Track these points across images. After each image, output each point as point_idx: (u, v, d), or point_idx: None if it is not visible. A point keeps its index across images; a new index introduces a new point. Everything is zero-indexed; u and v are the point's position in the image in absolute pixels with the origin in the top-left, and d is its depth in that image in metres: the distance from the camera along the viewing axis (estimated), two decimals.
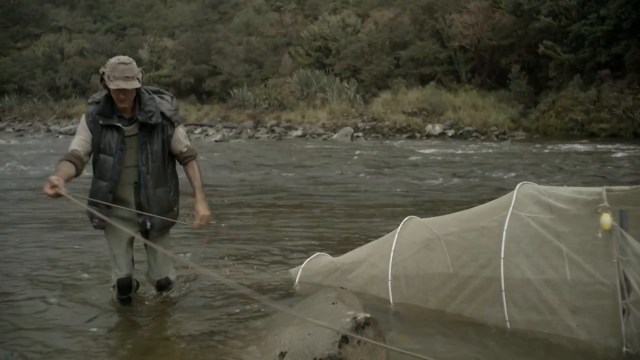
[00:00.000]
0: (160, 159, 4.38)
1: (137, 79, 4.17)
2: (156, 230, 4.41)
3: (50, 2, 57.85)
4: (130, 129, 4.29)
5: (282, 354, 3.51)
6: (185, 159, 4.47)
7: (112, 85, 4.10)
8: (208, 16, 49.35)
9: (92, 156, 4.33)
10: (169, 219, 4.45)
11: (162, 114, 4.36)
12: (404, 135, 27.37)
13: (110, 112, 4.27)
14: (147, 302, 4.76)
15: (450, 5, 32.98)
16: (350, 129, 27.70)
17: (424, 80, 31.85)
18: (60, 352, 3.91)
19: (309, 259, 5.42)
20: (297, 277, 5.31)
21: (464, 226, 4.70)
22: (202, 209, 4.40)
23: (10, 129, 36.79)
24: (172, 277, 4.66)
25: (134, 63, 4.23)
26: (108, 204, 4.24)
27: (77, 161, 4.18)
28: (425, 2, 34.50)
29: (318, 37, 37.58)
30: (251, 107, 34.13)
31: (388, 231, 5.20)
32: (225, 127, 31.78)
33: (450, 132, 27.19)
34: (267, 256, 6.43)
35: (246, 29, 44.08)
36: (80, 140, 4.28)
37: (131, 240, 4.45)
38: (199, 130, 31.61)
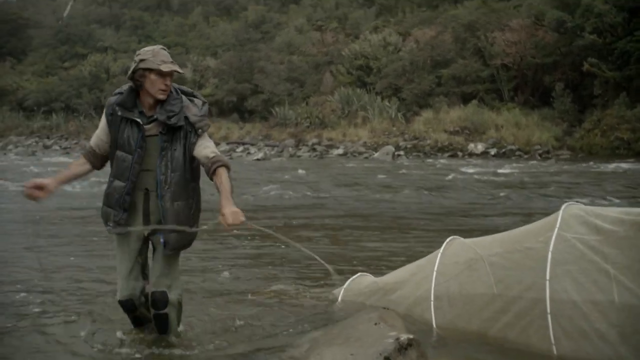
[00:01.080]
0: (182, 168, 3.93)
1: (175, 65, 3.93)
2: (170, 248, 3.98)
3: (96, 22, 59.15)
4: (150, 128, 3.93)
5: None
6: (213, 165, 3.83)
7: (165, 67, 3.81)
8: (250, 35, 49.87)
9: (110, 154, 4.03)
10: (185, 238, 3.98)
11: (187, 118, 3.93)
12: (446, 154, 27.21)
13: (131, 105, 3.94)
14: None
15: (492, 24, 32.79)
16: (391, 148, 27.64)
17: (465, 99, 31.66)
18: None
19: (351, 278, 5.41)
20: (340, 297, 5.30)
21: (508, 247, 4.64)
22: (229, 206, 3.65)
23: (57, 147, 37.57)
24: (172, 295, 4.05)
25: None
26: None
27: (92, 158, 4.03)
28: (466, 20, 34.37)
29: (359, 56, 37.66)
30: (292, 125, 34.30)
31: (431, 251, 5.16)
32: (266, 145, 32.00)
33: (493, 151, 26.93)
34: (310, 275, 6.44)
35: (288, 48, 44.41)
36: (96, 137, 4.06)
37: (140, 254, 4.11)
38: (240, 148, 31.87)
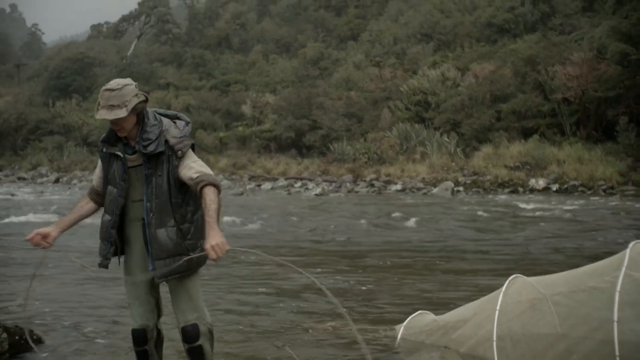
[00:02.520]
0: (166, 194, 3.80)
1: (126, 106, 3.69)
2: (158, 277, 3.80)
3: (159, 61, 60.79)
4: (134, 159, 3.85)
5: None
6: (197, 185, 3.68)
7: (97, 115, 3.70)
8: (309, 72, 50.50)
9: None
10: (179, 265, 3.75)
11: (167, 141, 3.80)
12: (506, 190, 26.79)
13: (115, 140, 3.88)
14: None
15: (552, 57, 32.43)
16: (450, 184, 27.38)
17: (526, 134, 31.23)
18: None
19: (411, 316, 5.35)
20: (399, 335, 5.24)
21: (573, 286, 4.53)
22: (212, 238, 3.46)
23: None
24: (202, 326, 3.89)
25: (128, 87, 3.76)
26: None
27: (95, 196, 4.01)
28: (526, 54, 34.09)
29: (417, 91, 37.66)
30: (350, 161, 34.38)
31: (492, 290, 5.07)
32: (324, 180, 32.08)
33: (555, 187, 26.40)
34: (371, 312, 6.39)
35: (346, 84, 44.77)
36: (96, 175, 4.05)
37: (152, 287, 3.95)
38: (299, 183, 32.03)
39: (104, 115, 3.65)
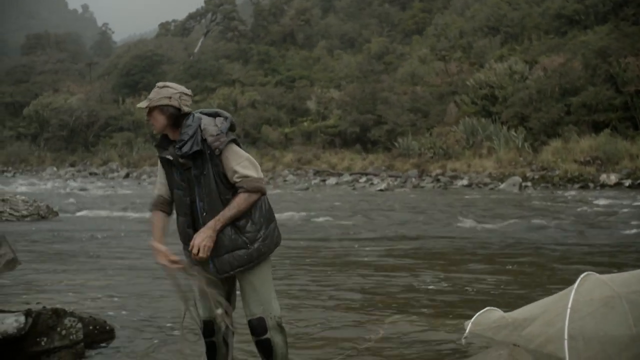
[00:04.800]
0: (215, 192, 3.82)
1: (150, 100, 3.86)
2: (219, 274, 3.87)
3: (225, 57, 61.48)
4: (185, 162, 3.87)
5: None
6: (238, 189, 3.83)
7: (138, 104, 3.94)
8: (373, 67, 50.29)
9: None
10: (238, 259, 3.82)
11: (205, 140, 3.82)
12: (576, 185, 26.12)
13: (167, 144, 3.96)
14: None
15: (625, 49, 31.44)
16: (518, 179, 26.88)
17: (597, 128, 30.38)
18: None
19: (479, 312, 5.28)
20: (467, 331, 5.17)
21: None
22: (202, 232, 3.76)
23: None
24: (269, 320, 3.88)
25: (168, 89, 3.90)
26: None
27: (164, 207, 4.03)
28: (597, 46, 33.16)
29: (484, 85, 37.08)
30: (416, 156, 34.14)
31: (563, 287, 4.96)
32: (389, 176, 31.95)
33: (627, 182, 25.60)
34: (437, 307, 6.35)
35: (411, 78, 44.44)
36: (159, 183, 4.08)
37: (221, 286, 3.97)
38: (364, 179, 31.99)
39: (138, 104, 3.89)
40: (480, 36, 48.68)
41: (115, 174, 41.56)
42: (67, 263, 9.13)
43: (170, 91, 3.88)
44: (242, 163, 3.85)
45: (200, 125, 3.85)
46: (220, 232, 3.78)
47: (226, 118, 3.99)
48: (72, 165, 48.84)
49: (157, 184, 4.11)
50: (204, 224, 3.79)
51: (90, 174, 42.77)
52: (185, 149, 3.76)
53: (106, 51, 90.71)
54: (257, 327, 3.86)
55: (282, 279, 7.66)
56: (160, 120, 3.86)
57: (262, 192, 3.88)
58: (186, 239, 3.90)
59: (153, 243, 3.86)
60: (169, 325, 5.60)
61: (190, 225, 3.89)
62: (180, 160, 3.83)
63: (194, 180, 3.83)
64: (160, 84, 3.93)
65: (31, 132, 55.56)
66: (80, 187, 28.28)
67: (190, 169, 3.84)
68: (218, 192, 3.82)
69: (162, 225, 3.99)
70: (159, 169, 4.05)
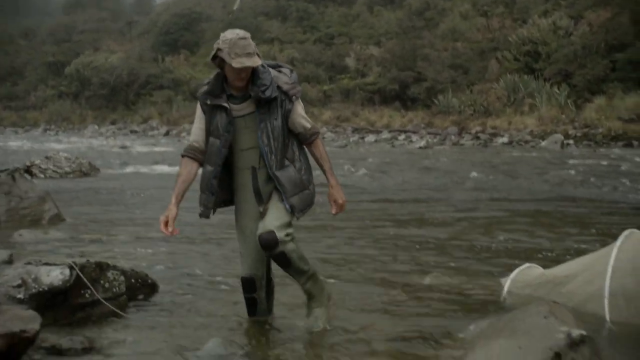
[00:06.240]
0: (282, 136, 3.98)
1: (257, 54, 3.86)
2: (298, 212, 3.98)
3: (264, 15, 61.06)
4: (243, 107, 3.97)
5: None
6: (310, 137, 4.07)
7: (236, 64, 3.76)
8: (414, 23, 49.45)
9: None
10: (307, 198, 4.05)
11: (279, 87, 3.96)
12: (620, 143, 25.60)
13: (220, 91, 3.99)
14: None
15: None
16: (560, 136, 26.45)
17: None
18: None
19: (518, 269, 5.25)
20: (506, 288, 5.15)
21: None
22: (340, 196, 4.06)
23: None
24: (279, 233, 3.85)
25: (250, 37, 3.92)
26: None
27: (196, 154, 4.02)
28: None
29: (527, 41, 36.24)
30: (456, 113, 33.77)
31: (605, 244, 4.90)
32: (429, 133, 31.72)
33: None
34: (474, 265, 6.33)
35: (452, 34, 43.62)
36: (197, 129, 4.07)
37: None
38: (402, 136, 31.82)
39: (245, 62, 3.77)
40: None
41: (155, 132, 42.05)
42: (109, 219, 9.29)
43: (252, 43, 3.90)
44: (305, 114, 4.11)
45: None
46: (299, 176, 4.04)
47: (292, 70, 4.17)
48: (113, 123, 49.49)
49: (193, 130, 4.12)
50: (271, 167, 3.92)
51: (131, 131, 43.32)
52: (268, 93, 3.88)
53: (146, 9, 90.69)
54: (266, 241, 3.85)
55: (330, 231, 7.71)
56: (248, 74, 3.91)
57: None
58: (208, 188, 4.01)
59: (170, 205, 3.93)
60: (211, 279, 5.68)
61: (217, 177, 3.98)
62: (234, 106, 3.95)
63: (257, 125, 3.93)
64: (244, 33, 3.92)
65: (73, 91, 56.28)
66: (121, 145, 28.63)
67: (244, 117, 3.96)
68: (284, 137, 3.98)
69: (188, 177, 4.00)
70: (198, 116, 4.07)
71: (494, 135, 29.71)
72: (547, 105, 31.01)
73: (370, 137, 32.16)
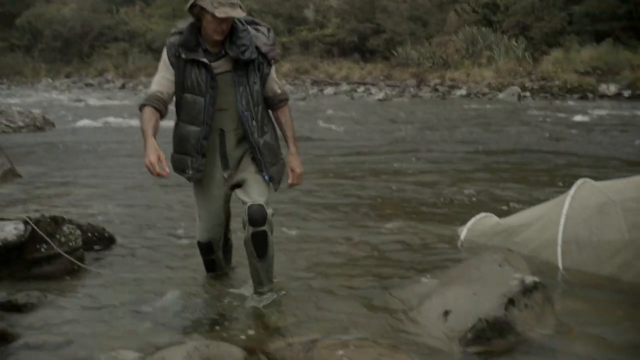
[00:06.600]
0: (262, 101, 3.79)
1: (240, 6, 3.55)
2: (275, 183, 3.84)
3: None
4: (219, 65, 3.66)
5: (446, 312, 3.51)
6: (279, 102, 3.88)
7: (219, 13, 3.44)
8: None
9: (175, 97, 3.74)
10: (283, 169, 3.91)
11: (257, 49, 3.68)
12: (575, 96, 25.94)
13: (194, 44, 3.64)
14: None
15: None
16: (517, 89, 26.69)
17: (599, 37, 29.84)
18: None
19: (474, 218, 5.33)
20: (462, 237, 5.24)
21: None
22: (298, 165, 3.85)
23: None
24: (268, 210, 3.71)
25: None
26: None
27: (160, 105, 3.62)
28: None
29: None
30: (414, 65, 33.76)
31: (558, 194, 4.99)
32: (388, 85, 31.71)
33: (627, 93, 25.41)
34: (430, 213, 6.42)
35: None
36: (163, 79, 3.68)
37: (225, 201, 3.93)
38: (362, 88, 31.75)
39: (229, 12, 3.47)
40: None
41: (111, 85, 41.27)
42: (65, 173, 9.14)
43: None
44: (277, 77, 3.92)
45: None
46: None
47: (269, 29, 3.89)
48: (68, 76, 48.38)
49: (157, 79, 3.72)
50: (252, 134, 3.73)
51: (86, 85, 42.43)
52: (247, 54, 3.62)
53: None
54: (257, 214, 3.66)
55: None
56: (228, 27, 3.61)
57: None
58: (197, 149, 3.72)
59: (148, 140, 3.46)
60: (171, 233, 5.65)
61: (207, 137, 3.71)
62: (215, 64, 3.64)
63: (233, 87, 3.68)
64: None
65: (25, 44, 54.62)
66: (76, 98, 28.06)
67: (223, 74, 3.67)
68: (260, 101, 3.78)
69: (155, 123, 3.57)
70: (164, 66, 3.70)
71: (453, 87, 29.85)
72: (504, 58, 31.18)
73: (329, 90, 32.02)
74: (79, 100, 26.78)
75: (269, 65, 3.78)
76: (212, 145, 3.75)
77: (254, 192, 3.73)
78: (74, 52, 52.19)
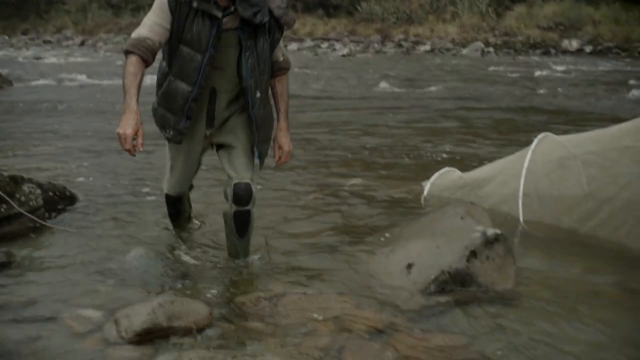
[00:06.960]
0: (269, 69, 3.43)
1: None
2: (261, 162, 3.55)
3: None
4: (225, 22, 3.23)
5: (410, 265, 3.55)
6: (280, 70, 3.53)
7: None
8: None
9: (169, 46, 3.31)
10: (268, 147, 3.61)
11: (270, 11, 3.29)
12: (538, 51, 26.12)
13: None
14: None
15: None
16: (480, 44, 26.74)
17: None
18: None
19: (437, 173, 5.38)
20: (426, 191, 5.29)
21: (605, 145, 4.49)
22: (287, 143, 3.55)
23: None
24: (254, 187, 3.48)
25: None
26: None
27: (147, 53, 3.16)
28: None
29: None
30: (379, 21, 33.54)
31: (520, 148, 5.05)
32: (352, 41, 31.51)
33: (588, 48, 25.67)
34: (397, 169, 6.46)
35: None
36: (156, 25, 3.21)
37: (200, 156, 3.69)
38: (325, 44, 31.49)
39: None
40: None
41: (70, 42, 40.25)
42: (26, 132, 8.97)
43: None
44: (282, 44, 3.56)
45: None
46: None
47: None
48: (24, 33, 47.03)
49: (148, 23, 3.23)
50: (253, 104, 3.38)
51: (44, 42, 41.30)
52: (259, 17, 3.20)
53: None
54: (244, 192, 3.44)
55: None
56: None
57: None
58: (185, 111, 3.34)
59: (130, 103, 3.06)
60: (136, 190, 5.59)
61: (198, 98, 3.34)
62: (224, 20, 3.21)
63: (236, 47, 3.29)
64: None
65: None
66: (34, 56, 27.38)
67: (228, 31, 3.25)
68: (266, 69, 3.41)
69: (141, 79, 3.15)
70: (160, 10, 3.23)
71: (417, 43, 29.77)
72: (468, 13, 31.14)
73: (293, 45, 31.64)
74: (38, 58, 26.12)
75: (281, 31, 3.40)
76: (201, 103, 3.41)
77: (242, 165, 3.48)
78: (30, 8, 50.75)
